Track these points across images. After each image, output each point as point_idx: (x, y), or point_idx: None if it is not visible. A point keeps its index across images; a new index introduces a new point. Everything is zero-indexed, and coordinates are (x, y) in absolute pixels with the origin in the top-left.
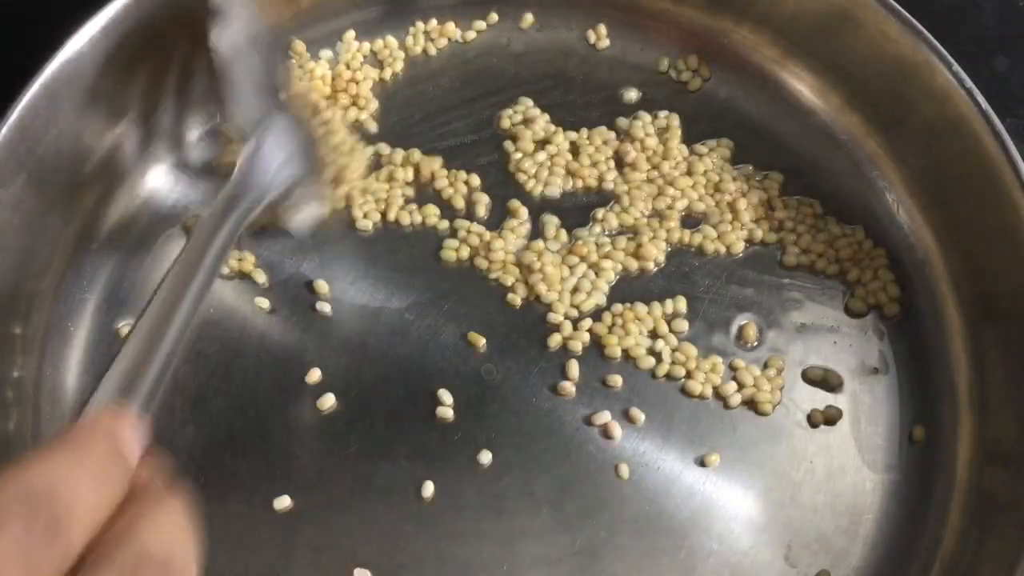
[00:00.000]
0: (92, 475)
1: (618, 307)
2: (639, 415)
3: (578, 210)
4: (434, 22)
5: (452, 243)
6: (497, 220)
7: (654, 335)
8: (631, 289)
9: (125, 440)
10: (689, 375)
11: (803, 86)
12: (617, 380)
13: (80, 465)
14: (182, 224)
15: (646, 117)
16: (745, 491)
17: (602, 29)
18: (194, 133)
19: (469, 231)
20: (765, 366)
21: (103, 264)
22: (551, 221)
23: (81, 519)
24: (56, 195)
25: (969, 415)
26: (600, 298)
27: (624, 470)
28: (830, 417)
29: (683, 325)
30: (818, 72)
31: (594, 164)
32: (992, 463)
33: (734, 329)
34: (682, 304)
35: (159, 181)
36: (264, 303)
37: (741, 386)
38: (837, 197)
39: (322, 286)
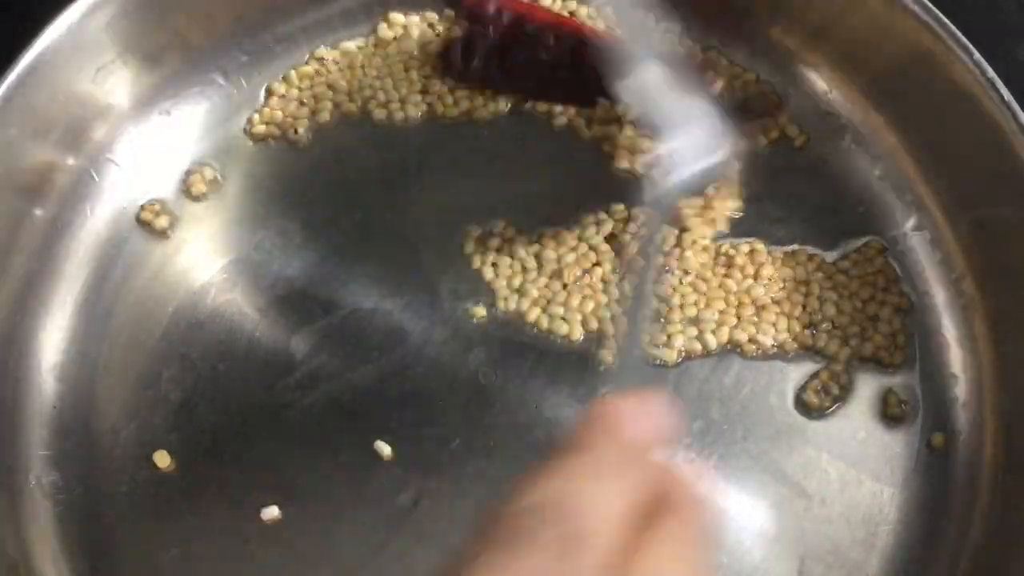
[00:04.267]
0: (610, 481)
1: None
2: None
3: None
4: None
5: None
6: None
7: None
8: None
9: (637, 432)
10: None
11: (819, 77)
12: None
13: (596, 472)
14: (137, 217)
15: None
16: (756, 502)
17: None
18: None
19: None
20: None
21: (79, 267)
22: None
23: (604, 530)
24: (29, 195)
25: (993, 421)
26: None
27: None
28: (845, 424)
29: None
30: (834, 63)
31: None
32: (1016, 472)
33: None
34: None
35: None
36: (251, 304)
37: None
38: (852, 191)
39: (312, 287)
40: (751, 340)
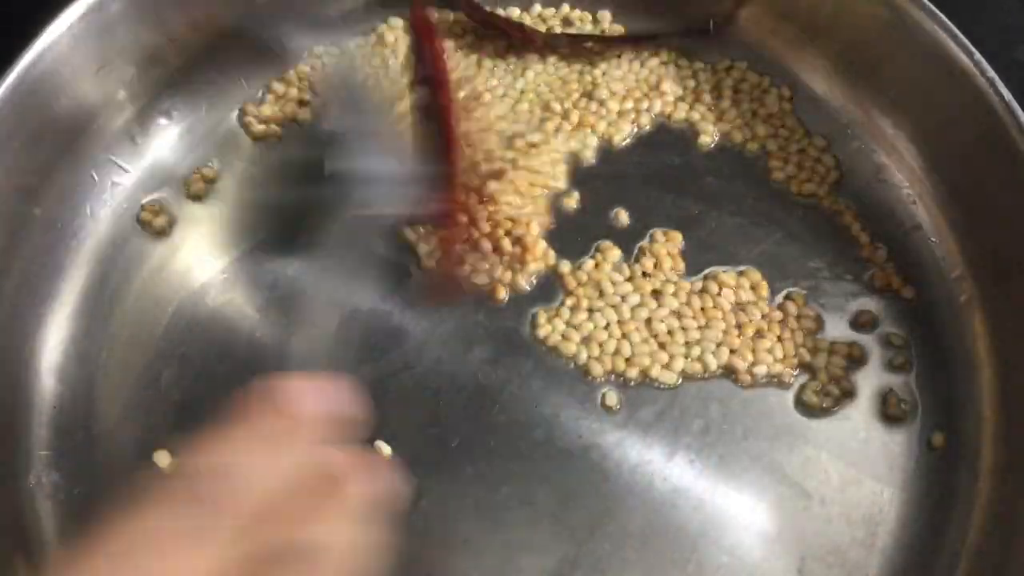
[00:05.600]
0: (264, 453)
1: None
2: (645, 423)
3: None
4: None
5: None
6: None
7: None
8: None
9: (303, 411)
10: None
11: (818, 78)
12: (622, 387)
13: (250, 439)
14: (137, 217)
15: None
16: (756, 501)
17: (606, 15)
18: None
19: None
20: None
21: (79, 267)
22: None
23: (247, 496)
24: (29, 195)
25: (992, 421)
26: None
27: (629, 480)
28: (845, 424)
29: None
30: (835, 61)
31: None
32: (1016, 472)
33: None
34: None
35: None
36: (251, 304)
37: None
38: (853, 190)
39: (312, 287)
40: (749, 369)
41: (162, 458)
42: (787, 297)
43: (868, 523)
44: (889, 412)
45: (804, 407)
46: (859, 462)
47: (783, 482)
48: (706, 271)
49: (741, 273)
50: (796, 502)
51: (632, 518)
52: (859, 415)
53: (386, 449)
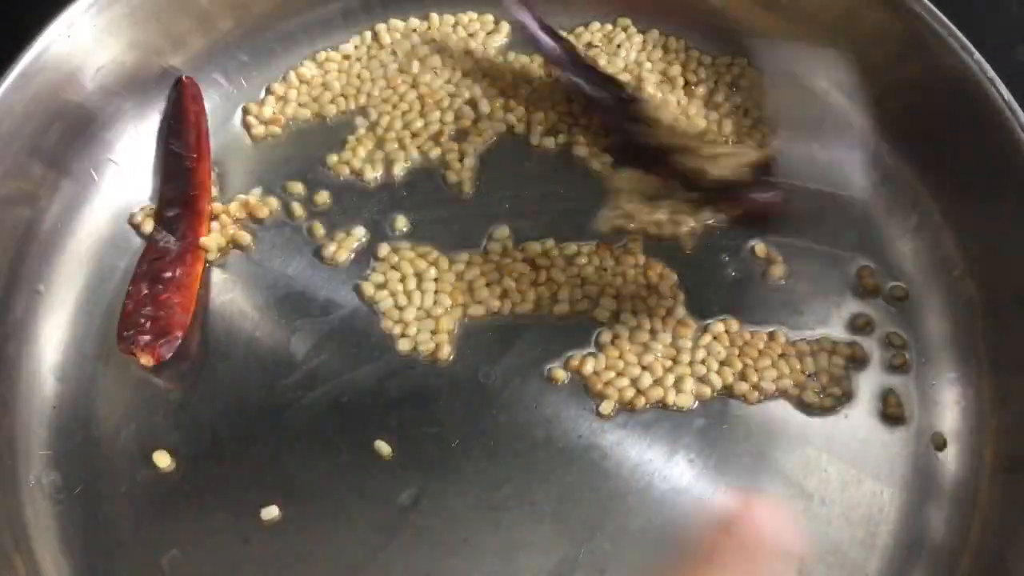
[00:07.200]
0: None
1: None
2: (645, 423)
3: None
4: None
5: None
6: None
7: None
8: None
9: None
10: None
11: (819, 76)
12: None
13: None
14: (130, 220)
15: None
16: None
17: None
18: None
19: None
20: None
21: (79, 267)
22: None
23: None
24: (30, 196)
25: (992, 421)
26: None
27: (630, 480)
28: (845, 424)
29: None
30: (835, 62)
31: None
32: (1016, 472)
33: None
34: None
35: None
36: (251, 304)
37: (757, 389)
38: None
39: (312, 287)
40: (754, 387)
41: (162, 458)
42: None
43: (868, 523)
44: (889, 412)
45: (804, 407)
46: (859, 462)
47: (783, 483)
48: None
49: None
50: (796, 502)
51: (633, 518)
52: (859, 415)
53: (386, 449)
